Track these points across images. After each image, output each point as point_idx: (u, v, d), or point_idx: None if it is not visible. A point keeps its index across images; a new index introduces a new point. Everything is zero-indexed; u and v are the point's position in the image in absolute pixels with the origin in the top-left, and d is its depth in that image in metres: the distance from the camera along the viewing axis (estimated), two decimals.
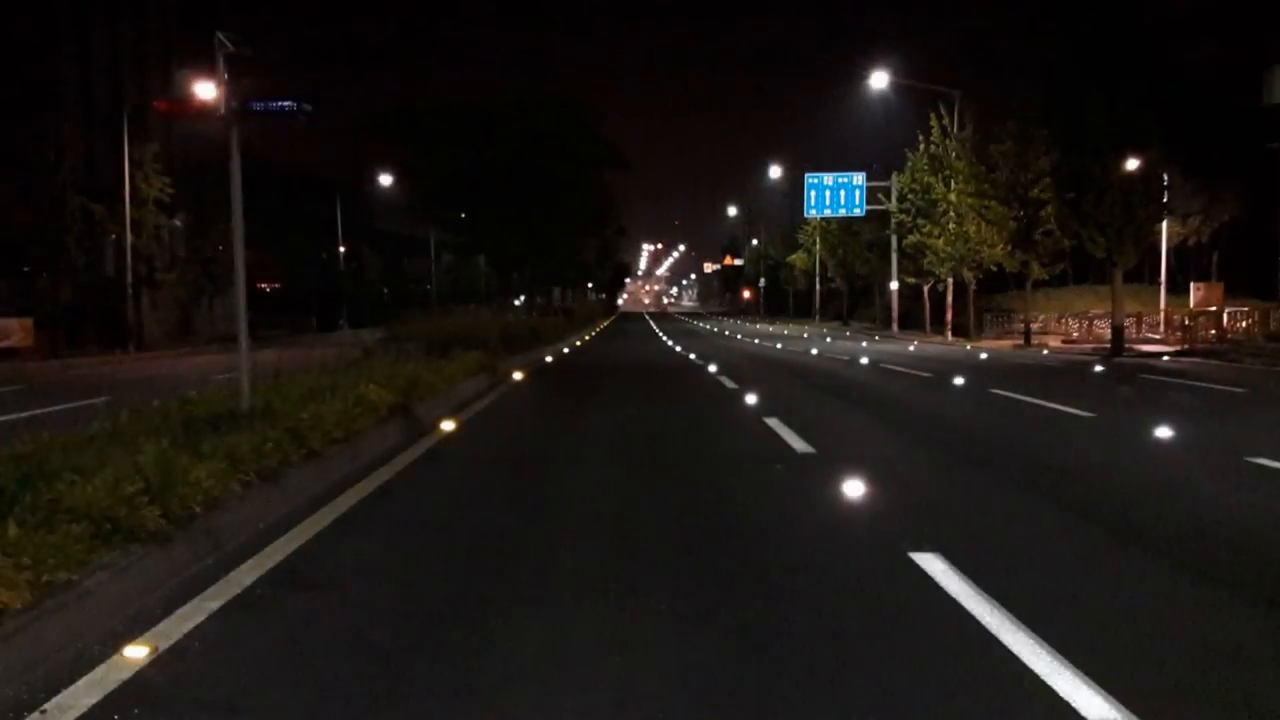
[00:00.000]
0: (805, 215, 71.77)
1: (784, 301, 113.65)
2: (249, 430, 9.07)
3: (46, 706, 4.53)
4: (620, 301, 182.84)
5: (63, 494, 6.25)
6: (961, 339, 51.36)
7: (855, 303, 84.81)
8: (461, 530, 8.26)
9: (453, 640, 5.38)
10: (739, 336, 59.84)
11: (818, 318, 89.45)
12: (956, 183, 50.58)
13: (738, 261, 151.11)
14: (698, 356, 34.29)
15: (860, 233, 71.84)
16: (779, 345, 45.42)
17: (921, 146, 54.81)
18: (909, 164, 57.25)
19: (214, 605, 5.96)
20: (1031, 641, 5.18)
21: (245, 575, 6.62)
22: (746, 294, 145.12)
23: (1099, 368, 29.21)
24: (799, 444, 12.52)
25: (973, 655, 5.10)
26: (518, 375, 23.47)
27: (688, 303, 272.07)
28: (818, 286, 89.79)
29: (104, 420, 9.03)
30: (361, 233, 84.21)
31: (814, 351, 38.27)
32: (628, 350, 42.30)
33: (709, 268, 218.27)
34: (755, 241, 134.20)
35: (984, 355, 36.95)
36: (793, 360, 33.42)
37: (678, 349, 41.67)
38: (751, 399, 17.86)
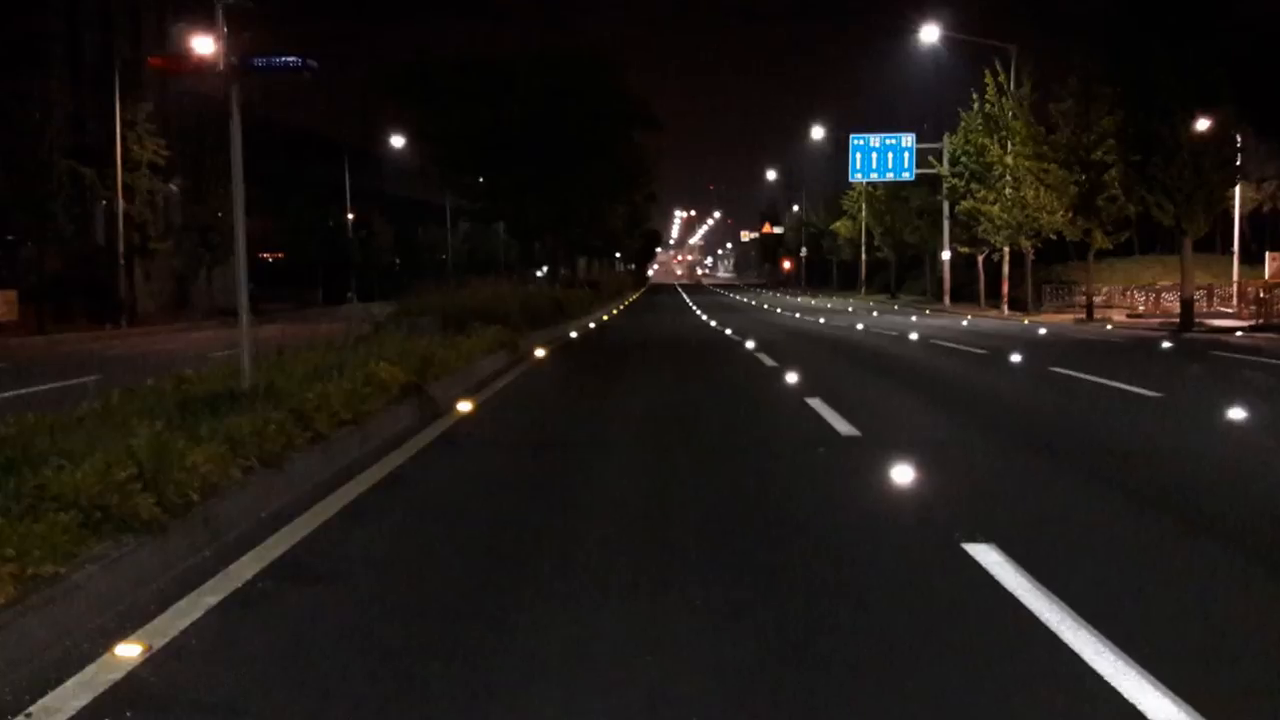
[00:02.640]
0: (850, 179, 71.41)
1: (827, 272, 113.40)
2: (250, 412, 9.08)
3: (32, 710, 4.53)
4: (650, 273, 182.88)
5: (49, 480, 6.26)
6: (1018, 313, 51.20)
7: (903, 274, 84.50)
8: (479, 519, 8.26)
9: (469, 638, 5.37)
10: (778, 310, 59.82)
11: (863, 290, 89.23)
12: (1013, 144, 50.36)
13: (777, 229, 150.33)
14: (734, 332, 34.30)
15: (909, 198, 71.56)
16: (822, 320, 45.39)
17: (975, 105, 54.57)
18: (962, 124, 57.03)
19: (212, 600, 5.98)
20: (1094, 639, 5.14)
21: (246, 568, 6.63)
22: (786, 264, 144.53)
23: (1166, 344, 29.06)
24: (843, 426, 12.49)
25: (1031, 654, 5.07)
26: (540, 352, 23.51)
27: (723, 274, 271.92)
28: (863, 256, 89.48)
29: (94, 400, 9.06)
30: (372, 199, 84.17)
31: (859, 327, 38.25)
32: (659, 325, 42.32)
33: (746, 236, 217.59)
34: (796, 208, 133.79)
35: (1043, 330, 36.79)
36: (836, 336, 33.40)
37: (712, 324, 41.68)
38: (792, 378, 17.83)
